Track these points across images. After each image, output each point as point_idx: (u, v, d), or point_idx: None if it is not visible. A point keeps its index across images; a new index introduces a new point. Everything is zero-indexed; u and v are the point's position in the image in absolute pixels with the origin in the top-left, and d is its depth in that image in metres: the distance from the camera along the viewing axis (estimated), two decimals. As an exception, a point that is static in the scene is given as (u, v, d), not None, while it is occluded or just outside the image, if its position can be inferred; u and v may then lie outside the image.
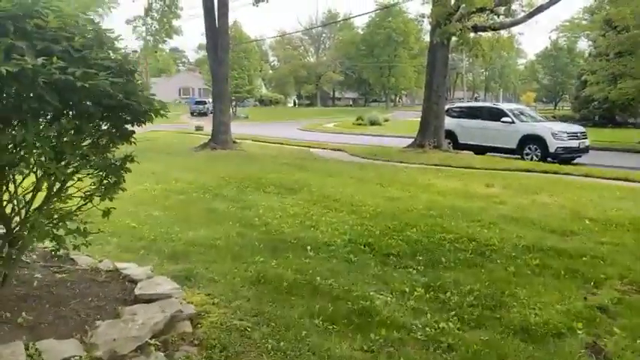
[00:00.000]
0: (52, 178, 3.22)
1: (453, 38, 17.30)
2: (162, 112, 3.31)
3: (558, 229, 6.71)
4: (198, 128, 30.42)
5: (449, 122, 17.62)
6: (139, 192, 8.90)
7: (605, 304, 4.26)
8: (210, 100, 58.01)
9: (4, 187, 3.21)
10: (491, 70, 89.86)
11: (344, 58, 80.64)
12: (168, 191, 9.04)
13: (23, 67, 2.48)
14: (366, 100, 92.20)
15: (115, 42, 3.25)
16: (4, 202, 3.33)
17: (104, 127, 3.40)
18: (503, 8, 17.39)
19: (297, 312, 3.93)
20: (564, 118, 34.15)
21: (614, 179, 11.27)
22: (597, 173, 12.03)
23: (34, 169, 3.12)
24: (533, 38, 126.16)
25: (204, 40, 19.47)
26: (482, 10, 16.70)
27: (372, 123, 38.42)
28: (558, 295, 4.43)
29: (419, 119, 18.02)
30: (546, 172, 12.68)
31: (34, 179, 3.27)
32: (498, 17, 17.75)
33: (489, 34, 17.80)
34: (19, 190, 3.33)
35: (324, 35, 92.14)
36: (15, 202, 3.29)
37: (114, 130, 3.28)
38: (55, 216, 3.43)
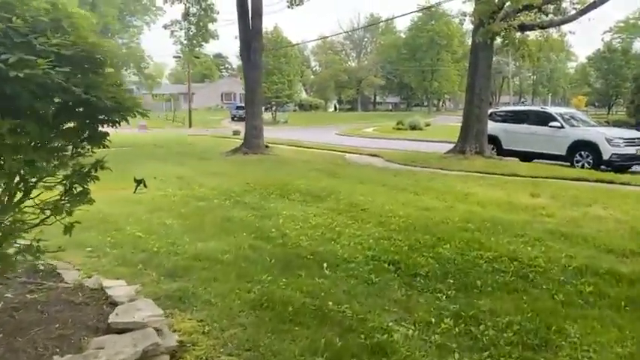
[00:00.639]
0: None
1: (498, 39, 16.35)
2: (138, 110, 2.76)
3: (616, 248, 5.83)
4: (236, 133, 30.33)
5: (492, 127, 16.63)
6: (159, 197, 8.55)
7: (678, 348, 3.47)
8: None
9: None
10: (539, 73, 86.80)
11: (385, 62, 79.72)
12: (188, 197, 8.64)
13: None
14: (408, 105, 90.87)
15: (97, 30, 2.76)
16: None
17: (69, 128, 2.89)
18: (552, 6, 16.33)
19: (298, 346, 3.33)
20: (619, 123, 32.13)
21: (678, 190, 10.14)
22: (659, 183, 10.89)
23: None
24: (585, 40, 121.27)
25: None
26: (529, 7, 15.69)
27: (413, 128, 37.46)
28: (617, 334, 3.66)
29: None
30: (600, 181, 11.59)
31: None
32: (547, 16, 16.66)
33: (537, 32, 16.71)
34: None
35: (365, 39, 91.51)
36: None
37: (81, 132, 2.76)
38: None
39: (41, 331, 3.03)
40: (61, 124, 2.72)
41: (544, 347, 3.45)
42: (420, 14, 70.57)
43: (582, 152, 14.73)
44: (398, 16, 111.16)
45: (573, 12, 15.87)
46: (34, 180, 2.84)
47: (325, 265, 5.03)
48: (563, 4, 16.10)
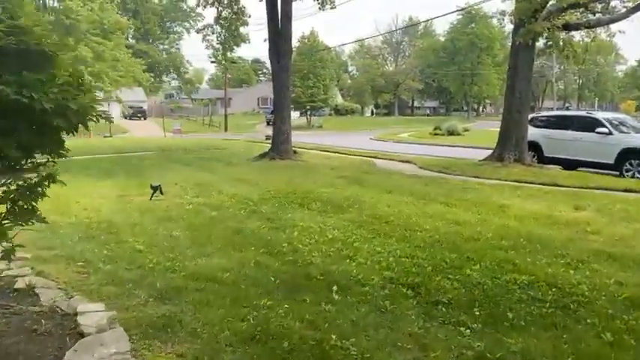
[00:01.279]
0: None
1: (540, 40, 15.42)
2: (94, 115, 2.31)
3: (675, 274, 5.07)
4: (268, 137, 30.00)
5: (533, 133, 15.66)
6: (173, 206, 8.21)
7: None
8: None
9: None
10: (585, 77, 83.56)
11: (424, 65, 78.37)
12: (204, 205, 8.25)
13: None
14: (447, 110, 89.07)
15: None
16: None
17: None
18: (600, 5, 15.28)
19: (286, 395, 2.81)
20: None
21: None
22: None
23: None
24: (636, 41, 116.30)
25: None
26: (575, 6, 14.73)
27: (450, 133, 36.29)
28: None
29: (502, 129, 16.10)
30: (654, 192, 10.60)
31: None
32: (594, 15, 15.61)
33: (582, 32, 15.68)
34: None
35: (403, 43, 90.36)
36: None
37: (27, 139, 2.33)
38: None
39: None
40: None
41: (588, 405, 2.82)
42: (460, 17, 69.15)
43: (633, 161, 13.61)
44: (435, 17, 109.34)
45: (624, 10, 14.80)
46: None
47: (335, 287, 4.48)
48: (612, 2, 15.07)
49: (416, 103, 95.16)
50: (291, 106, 56.05)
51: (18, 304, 3.50)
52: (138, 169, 13.67)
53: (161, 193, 8.82)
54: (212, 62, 21.26)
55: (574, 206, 8.62)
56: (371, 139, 33.36)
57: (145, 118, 58.19)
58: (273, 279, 4.66)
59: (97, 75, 34.32)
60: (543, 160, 15.61)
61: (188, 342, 3.37)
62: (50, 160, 2.68)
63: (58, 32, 27.14)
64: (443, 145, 26.97)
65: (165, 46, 78.25)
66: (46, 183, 2.59)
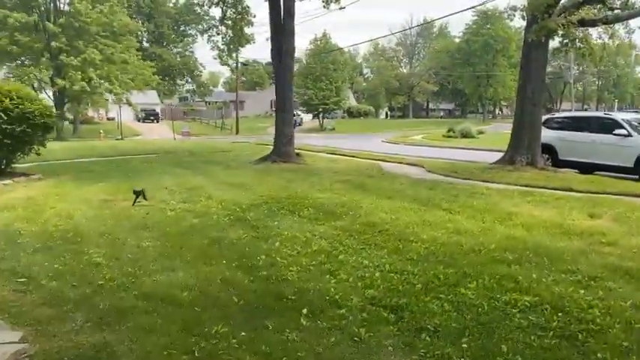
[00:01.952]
0: None
1: (556, 38, 14.67)
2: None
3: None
4: (277, 140, 29.57)
5: (547, 135, 14.89)
6: (154, 212, 7.72)
7: None
8: (299, 112, 58.26)
9: None
10: (604, 78, 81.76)
11: (438, 67, 77.41)
12: (187, 212, 7.75)
13: None
14: (463, 112, 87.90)
15: None
16: None
17: None
18: (619, 1, 14.49)
19: None
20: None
21: None
22: None
23: None
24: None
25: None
26: (591, 1, 13.96)
27: (464, 135, 35.44)
28: None
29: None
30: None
31: None
32: (612, 11, 14.80)
33: (600, 29, 14.88)
34: None
35: (418, 45, 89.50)
36: None
37: None
38: None
39: None
40: None
41: None
42: (476, 17, 68.14)
43: (653, 164, 12.81)
44: (448, 15, 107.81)
45: (643, 5, 14.00)
46: None
47: (305, 310, 3.91)
48: (632, -2, 14.23)
49: (431, 105, 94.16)
50: (303, 108, 55.71)
51: None
52: (134, 172, 13.25)
53: (144, 198, 8.34)
54: (222, 64, 20.82)
55: (589, 214, 7.93)
56: (382, 141, 32.78)
57: (157, 121, 58.23)
58: (236, 300, 4.10)
59: (106, 77, 34.29)
60: (558, 163, 14.83)
61: (112, 382, 2.83)
62: None
63: (67, 35, 27.15)
64: (455, 148, 26.24)
65: (179, 50, 78.35)
66: None
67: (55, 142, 29.80)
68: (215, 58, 21.66)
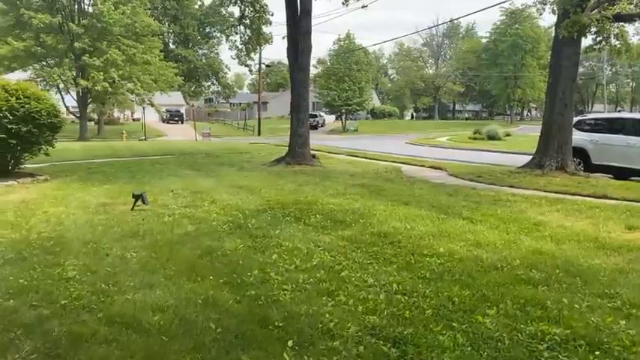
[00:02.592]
0: None
1: (589, 36, 13.76)
2: None
3: None
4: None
5: (579, 137, 14.00)
6: (151, 217, 7.24)
7: None
8: (322, 113, 57.66)
9: None
10: (638, 78, 78.98)
11: (465, 68, 75.94)
12: (186, 217, 7.25)
13: None
14: (490, 114, 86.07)
15: None
16: None
17: None
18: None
19: None
20: None
21: None
22: None
23: None
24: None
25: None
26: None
27: (491, 137, 34.37)
28: None
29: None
30: None
31: None
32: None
33: (638, 24, 13.92)
34: None
35: (444, 45, 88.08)
36: None
37: None
38: None
39: None
40: None
41: None
42: (504, 17, 66.57)
43: (696, 169, 11.85)
44: (473, 13, 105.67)
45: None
46: None
47: (291, 342, 3.33)
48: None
49: (457, 107, 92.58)
50: (326, 109, 55.11)
51: None
52: (144, 173, 12.88)
53: (143, 202, 7.88)
54: (240, 64, 20.39)
55: (626, 225, 7.14)
56: (406, 143, 32.08)
57: (182, 122, 58.43)
58: (214, 326, 3.54)
59: (128, 77, 34.36)
60: (590, 168, 13.92)
61: None
62: None
63: (90, 36, 27.21)
64: (481, 151, 25.37)
65: (205, 51, 78.67)
66: None
67: (76, 143, 30.06)
68: (234, 58, 21.24)
